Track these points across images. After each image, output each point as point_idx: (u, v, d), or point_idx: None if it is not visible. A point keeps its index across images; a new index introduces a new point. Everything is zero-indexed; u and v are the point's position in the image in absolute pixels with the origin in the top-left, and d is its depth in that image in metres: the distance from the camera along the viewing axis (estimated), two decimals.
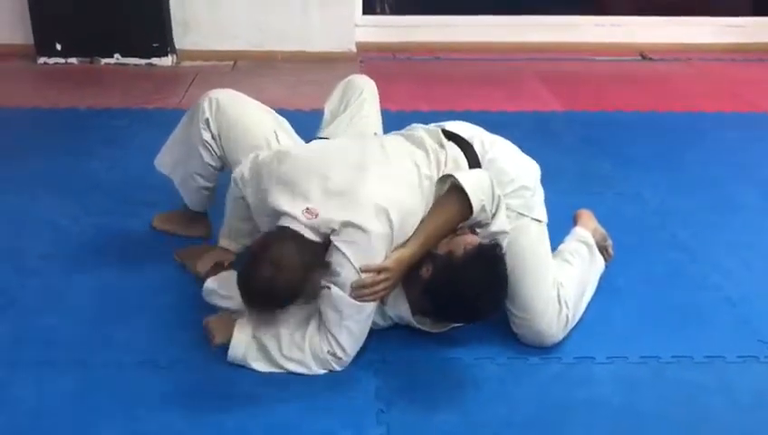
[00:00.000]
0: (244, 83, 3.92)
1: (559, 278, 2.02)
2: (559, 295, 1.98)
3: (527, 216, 1.99)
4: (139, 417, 1.71)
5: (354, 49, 4.38)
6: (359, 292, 1.79)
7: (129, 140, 3.18)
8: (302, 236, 1.80)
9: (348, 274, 1.78)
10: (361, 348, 1.89)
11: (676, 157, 3.20)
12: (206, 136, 2.16)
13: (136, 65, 4.15)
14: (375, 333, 1.94)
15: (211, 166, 2.21)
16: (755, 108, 3.78)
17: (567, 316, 1.99)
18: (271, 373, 1.84)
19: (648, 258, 2.41)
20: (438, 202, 1.89)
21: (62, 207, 2.61)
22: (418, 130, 2.08)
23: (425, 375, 1.88)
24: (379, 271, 1.78)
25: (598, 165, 3.08)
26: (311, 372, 1.84)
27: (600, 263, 2.23)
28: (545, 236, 2.02)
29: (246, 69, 4.18)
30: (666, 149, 3.28)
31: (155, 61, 4.17)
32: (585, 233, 2.24)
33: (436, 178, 1.93)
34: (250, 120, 2.17)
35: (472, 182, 1.84)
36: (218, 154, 2.19)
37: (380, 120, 2.37)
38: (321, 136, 2.24)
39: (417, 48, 4.52)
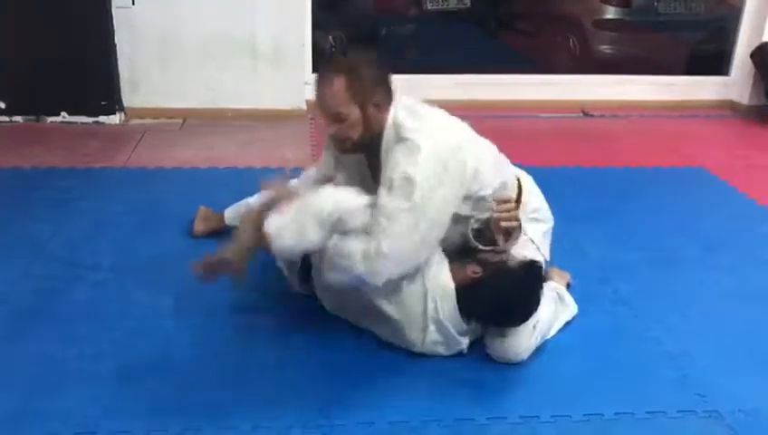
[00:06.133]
0: (193, 141, 3.94)
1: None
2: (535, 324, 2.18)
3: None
4: None
5: (305, 107, 4.42)
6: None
7: (74, 201, 3.13)
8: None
9: None
10: (303, 408, 1.91)
11: (617, 211, 3.29)
12: None
13: (83, 123, 4.12)
14: (319, 394, 1.96)
15: None
16: (691, 162, 3.93)
17: (536, 339, 2.20)
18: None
19: (590, 313, 2.45)
20: None
21: (2, 271, 2.55)
22: None
23: None
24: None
25: None
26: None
27: (569, 309, 2.41)
28: None
29: (196, 127, 4.18)
30: (607, 203, 3.37)
31: (102, 119, 4.14)
32: (555, 284, 2.44)
33: None
34: None
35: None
36: None
37: None
38: None
39: None
